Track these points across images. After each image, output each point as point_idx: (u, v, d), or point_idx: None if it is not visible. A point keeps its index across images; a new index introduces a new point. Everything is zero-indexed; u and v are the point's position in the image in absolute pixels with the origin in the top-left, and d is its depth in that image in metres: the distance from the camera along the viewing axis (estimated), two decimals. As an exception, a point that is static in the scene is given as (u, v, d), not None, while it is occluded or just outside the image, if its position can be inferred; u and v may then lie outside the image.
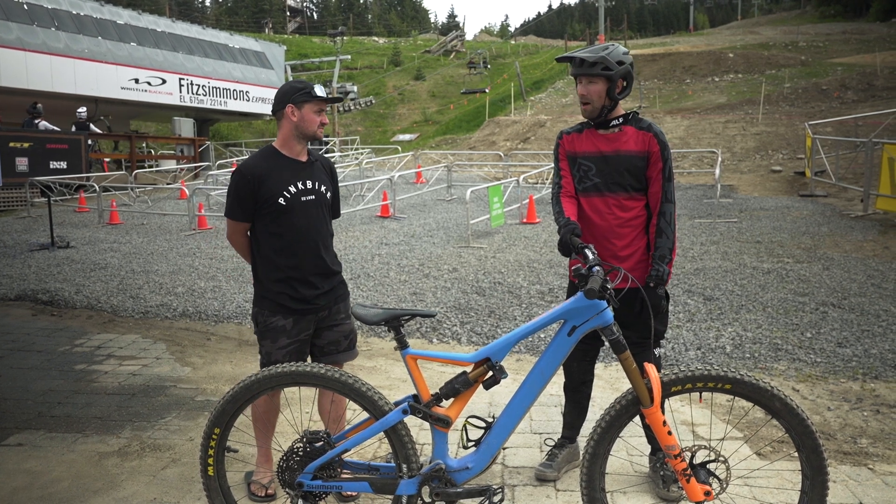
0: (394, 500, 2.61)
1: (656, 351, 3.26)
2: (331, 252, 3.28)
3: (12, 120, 19.82)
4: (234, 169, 3.29)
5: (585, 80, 3.11)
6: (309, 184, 3.14)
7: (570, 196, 3.27)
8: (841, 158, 14.56)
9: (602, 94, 3.11)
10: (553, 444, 3.55)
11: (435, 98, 54.11)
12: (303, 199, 3.11)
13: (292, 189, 3.08)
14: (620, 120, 3.20)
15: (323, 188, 3.19)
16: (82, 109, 20.57)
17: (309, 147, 3.23)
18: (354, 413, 3.84)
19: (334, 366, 2.96)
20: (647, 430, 3.23)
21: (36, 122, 18.45)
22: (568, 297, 3.41)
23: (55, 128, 18.92)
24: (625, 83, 3.13)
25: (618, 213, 3.21)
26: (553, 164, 3.42)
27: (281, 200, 3.06)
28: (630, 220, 3.22)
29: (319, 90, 3.07)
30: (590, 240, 3.24)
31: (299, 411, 4.06)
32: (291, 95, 3.05)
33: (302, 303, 3.12)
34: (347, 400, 3.36)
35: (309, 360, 3.32)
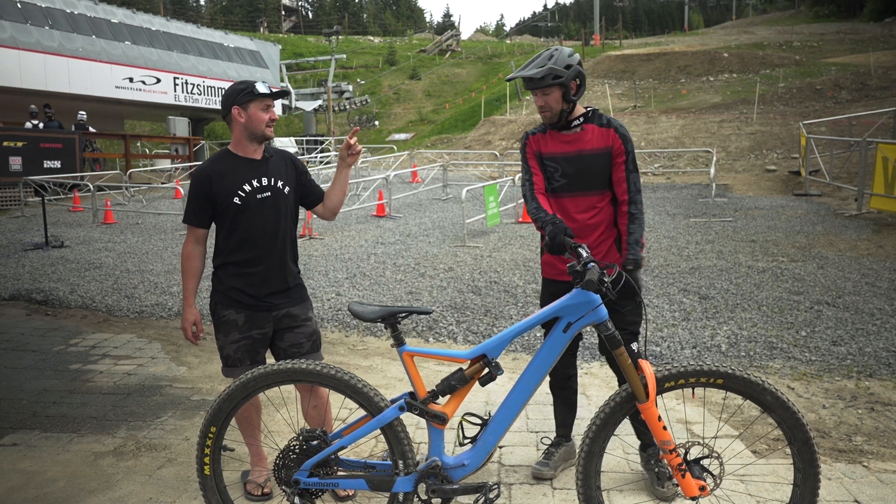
0: (390, 497, 2.61)
1: (633, 346, 3.25)
2: (292, 250, 3.24)
3: (4, 119, 19.78)
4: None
5: (540, 91, 3.16)
6: (265, 181, 3.11)
7: (544, 193, 3.31)
8: (835, 158, 14.63)
9: (559, 100, 3.16)
10: (549, 442, 3.56)
11: (430, 97, 54.12)
12: (258, 196, 3.08)
13: (246, 188, 3.06)
14: (581, 119, 3.24)
15: (280, 184, 3.14)
16: (83, 112, 20.62)
17: (267, 145, 3.20)
18: (351, 412, 3.84)
19: None
20: (638, 425, 3.25)
21: (36, 122, 18.45)
22: (543, 297, 3.43)
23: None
24: (578, 83, 3.17)
25: (587, 212, 3.26)
26: (522, 163, 3.44)
27: (236, 200, 3.04)
28: (599, 215, 3.27)
29: (261, 87, 3.05)
30: None
31: (295, 410, 4.05)
32: (235, 97, 3.04)
33: (255, 299, 3.11)
34: (335, 406, 3.37)
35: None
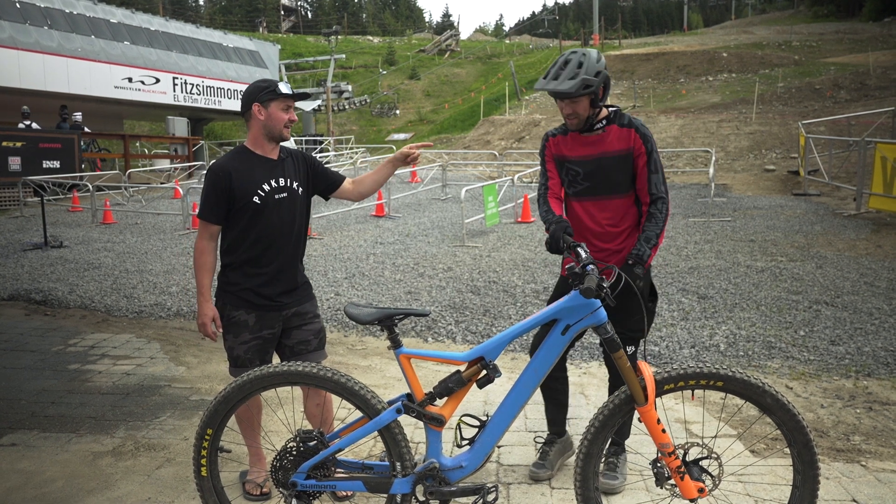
0: (388, 498, 2.61)
1: (628, 348, 3.21)
2: (301, 252, 3.27)
3: (3, 119, 19.78)
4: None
5: (569, 100, 3.07)
6: (281, 181, 3.12)
7: (557, 197, 3.28)
8: (834, 157, 14.62)
9: (587, 108, 3.09)
10: (542, 442, 3.53)
11: (430, 97, 54.10)
12: (276, 197, 3.09)
13: (266, 187, 3.07)
14: (604, 122, 3.18)
15: (295, 185, 3.16)
16: (77, 114, 20.64)
17: (282, 145, 3.21)
18: (349, 412, 3.84)
19: None
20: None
21: (28, 122, 18.44)
22: (555, 294, 3.42)
23: (38, 127, 18.92)
24: (603, 86, 3.09)
25: (613, 214, 3.21)
26: (540, 165, 3.41)
27: (256, 199, 3.04)
28: (624, 219, 3.23)
29: (284, 87, 3.06)
30: (582, 240, 3.25)
31: (292, 410, 4.05)
32: (257, 95, 3.05)
33: (266, 299, 3.11)
34: (334, 404, 3.37)
35: (276, 359, 3.30)
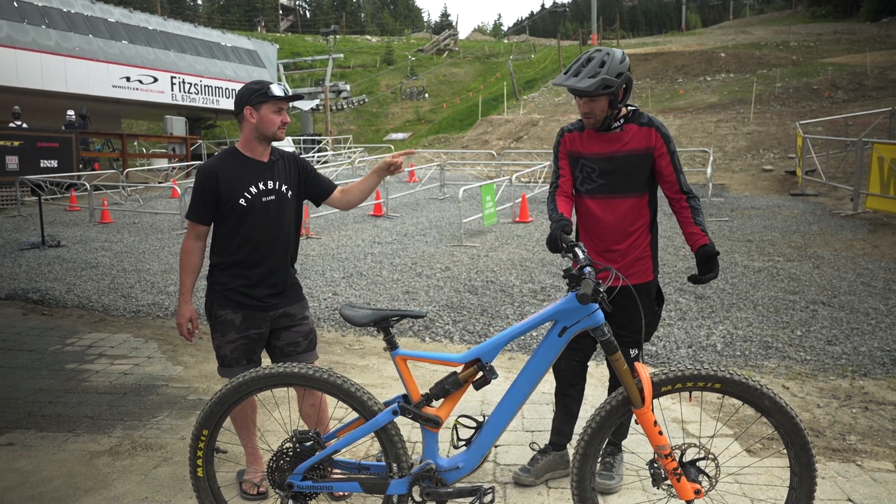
0: (384, 499, 2.60)
1: (632, 351, 3.15)
2: (290, 253, 3.25)
3: (0, 118, 19.75)
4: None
5: (587, 97, 3.01)
6: (270, 184, 3.11)
7: (566, 196, 3.23)
8: (831, 157, 14.65)
9: (605, 108, 3.03)
10: (538, 448, 3.47)
11: (428, 97, 54.06)
12: (263, 199, 3.08)
13: (253, 190, 3.06)
14: (622, 120, 3.12)
15: (284, 188, 3.15)
16: (71, 111, 20.64)
17: (273, 146, 3.20)
18: (346, 411, 3.84)
19: None
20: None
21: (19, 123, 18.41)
22: None
23: (27, 126, 18.93)
24: (625, 87, 3.02)
25: (626, 214, 3.17)
26: (553, 161, 3.36)
27: (242, 201, 3.04)
28: (636, 220, 3.19)
29: (276, 89, 3.04)
30: (588, 238, 3.24)
31: (289, 410, 4.05)
32: (248, 97, 3.03)
33: (253, 299, 3.11)
34: (331, 403, 3.37)
35: (267, 361, 3.30)
